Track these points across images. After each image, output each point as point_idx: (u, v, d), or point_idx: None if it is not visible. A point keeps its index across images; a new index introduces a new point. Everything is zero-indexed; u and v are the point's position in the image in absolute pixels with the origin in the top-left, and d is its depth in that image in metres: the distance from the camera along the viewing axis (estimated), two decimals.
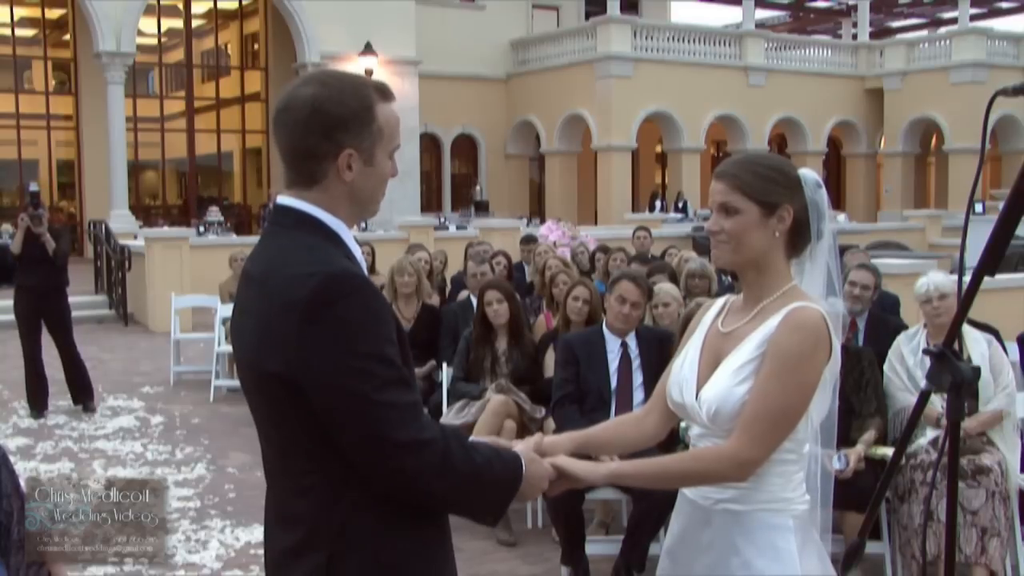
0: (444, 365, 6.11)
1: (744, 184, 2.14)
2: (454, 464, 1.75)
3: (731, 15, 33.10)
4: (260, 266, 1.84)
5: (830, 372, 2.15)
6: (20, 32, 22.88)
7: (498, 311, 5.69)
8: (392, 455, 1.71)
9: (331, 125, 1.78)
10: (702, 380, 2.20)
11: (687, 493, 2.27)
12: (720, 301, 2.34)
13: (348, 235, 1.86)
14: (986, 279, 1.67)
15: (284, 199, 1.86)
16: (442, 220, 21.13)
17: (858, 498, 4.22)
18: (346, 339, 1.69)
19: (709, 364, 2.21)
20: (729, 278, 7.16)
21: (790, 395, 2.07)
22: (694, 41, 26.80)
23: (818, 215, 2.18)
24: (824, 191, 2.21)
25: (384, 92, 1.86)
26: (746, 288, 2.24)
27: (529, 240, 10.60)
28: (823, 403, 2.20)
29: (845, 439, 4.52)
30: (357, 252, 1.87)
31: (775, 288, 2.17)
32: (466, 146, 28.23)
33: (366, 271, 1.88)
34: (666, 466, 2.21)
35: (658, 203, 25.54)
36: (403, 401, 1.72)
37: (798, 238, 2.19)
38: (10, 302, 8.33)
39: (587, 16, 28.36)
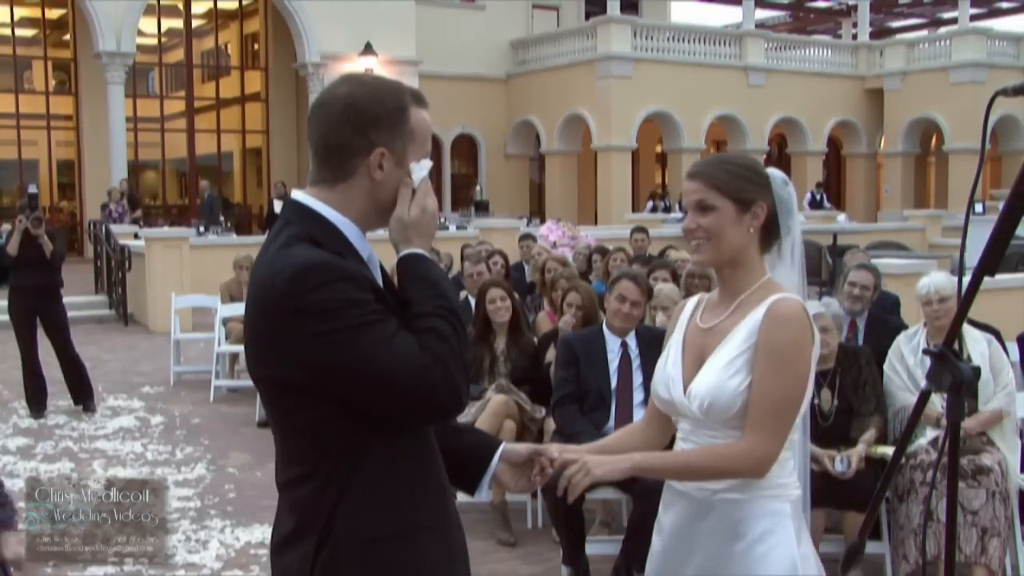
0: None
1: (719, 182, 2.21)
2: (448, 366, 1.74)
3: (731, 15, 33.12)
4: (255, 268, 1.87)
5: (812, 358, 2.23)
6: (20, 32, 22.87)
7: (500, 308, 5.70)
8: (404, 394, 1.72)
9: (365, 122, 1.80)
10: (688, 375, 2.27)
11: (678, 487, 2.31)
12: (694, 299, 2.42)
13: (353, 232, 1.85)
14: (986, 279, 1.66)
15: (296, 193, 1.87)
16: (442, 220, 21.12)
17: (858, 498, 4.23)
18: (314, 332, 1.70)
19: (693, 359, 2.28)
20: None
21: (790, 386, 2.16)
22: (694, 41, 26.79)
23: (786, 212, 2.27)
24: (791, 189, 2.29)
25: (418, 98, 1.88)
26: (722, 284, 2.31)
27: (527, 237, 10.52)
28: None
29: (845, 439, 4.52)
30: (364, 251, 1.87)
31: (751, 282, 2.25)
32: (466, 146, 28.21)
33: (380, 273, 1.89)
34: (690, 461, 2.25)
35: (649, 203, 25.39)
36: (388, 348, 1.71)
37: (770, 235, 2.27)
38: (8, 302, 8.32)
39: (587, 16, 28.34)
